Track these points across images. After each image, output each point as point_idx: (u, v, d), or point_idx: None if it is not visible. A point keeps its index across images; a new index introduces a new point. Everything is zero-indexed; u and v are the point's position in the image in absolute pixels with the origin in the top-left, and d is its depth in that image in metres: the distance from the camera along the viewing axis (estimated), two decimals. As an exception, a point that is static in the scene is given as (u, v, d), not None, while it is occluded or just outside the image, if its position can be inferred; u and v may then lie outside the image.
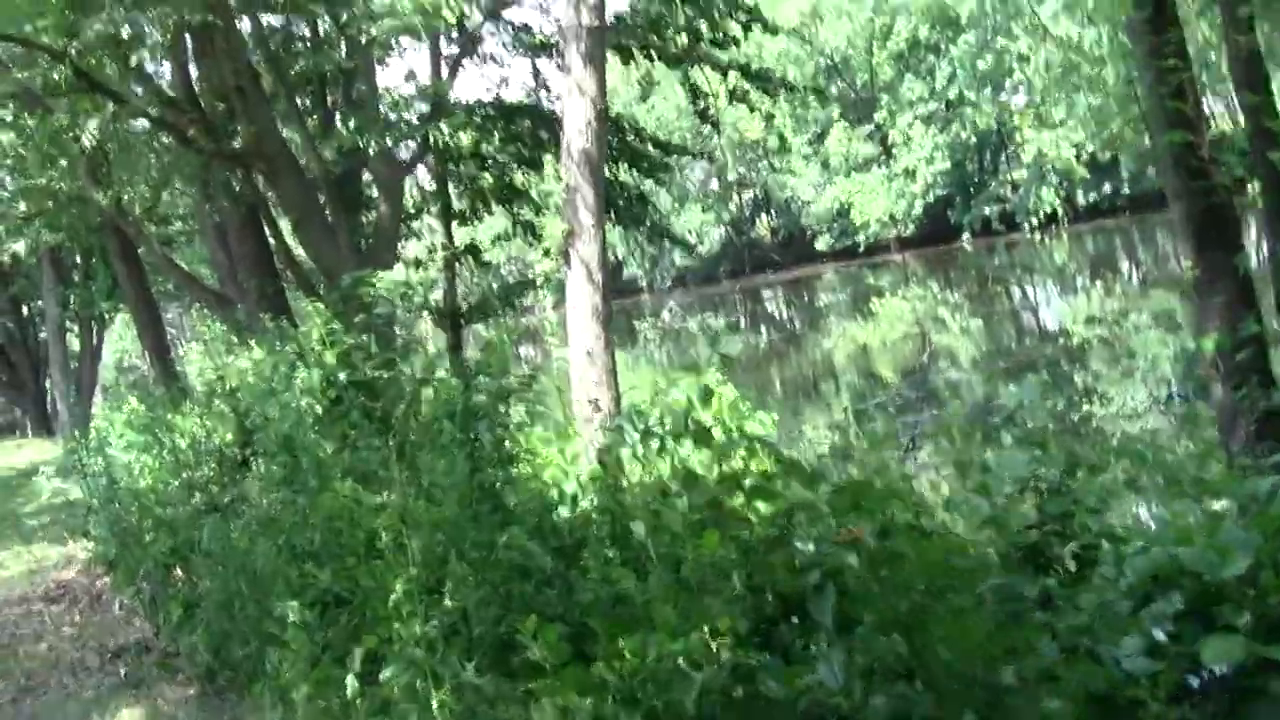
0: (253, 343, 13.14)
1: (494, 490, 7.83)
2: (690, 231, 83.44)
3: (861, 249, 79.51)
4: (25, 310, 42.52)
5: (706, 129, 26.92)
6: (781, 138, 73.99)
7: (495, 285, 25.90)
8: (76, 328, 40.31)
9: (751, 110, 23.32)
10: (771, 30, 22.88)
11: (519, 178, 23.16)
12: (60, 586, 12.97)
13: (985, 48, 70.63)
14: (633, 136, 22.89)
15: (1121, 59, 60.90)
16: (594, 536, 7.30)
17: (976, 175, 76.20)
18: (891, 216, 77.53)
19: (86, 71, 17.38)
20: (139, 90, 20.01)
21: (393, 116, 21.18)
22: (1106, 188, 67.78)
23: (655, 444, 12.45)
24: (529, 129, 22.25)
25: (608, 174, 19.57)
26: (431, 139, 19.08)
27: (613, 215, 21.89)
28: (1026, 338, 45.75)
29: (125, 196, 22.76)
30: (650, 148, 23.21)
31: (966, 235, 74.28)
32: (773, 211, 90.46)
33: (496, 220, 25.23)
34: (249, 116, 18.25)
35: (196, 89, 20.28)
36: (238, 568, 8.43)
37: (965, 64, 71.95)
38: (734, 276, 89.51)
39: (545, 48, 22.81)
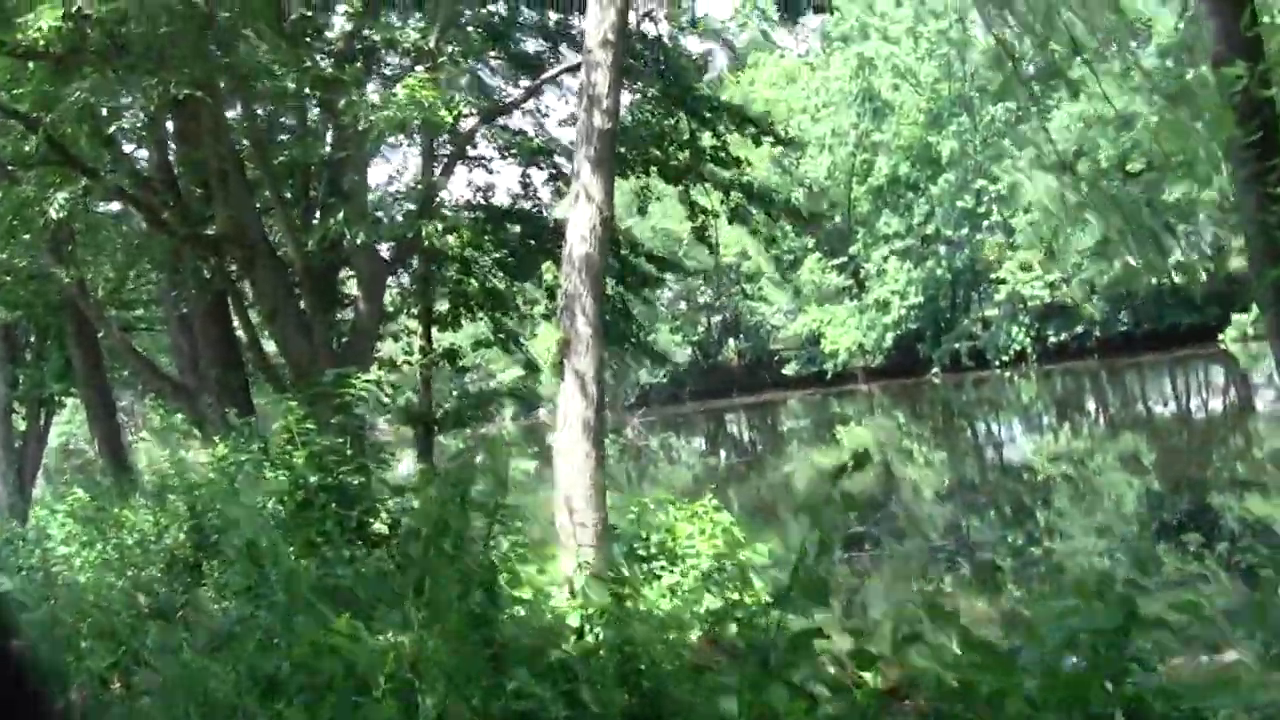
0: (215, 438, 12.18)
1: (492, 623, 6.85)
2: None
3: (829, 377, 78.92)
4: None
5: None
6: (780, 258, 73.58)
7: (468, 393, 25.03)
8: (23, 409, 39.06)
9: (753, 233, 22.62)
10: (784, 143, 22.28)
11: (503, 284, 22.35)
12: (-15, 691, 11.83)
13: (964, 187, 70.82)
14: (627, 250, 22.16)
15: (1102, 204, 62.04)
16: (603, 676, 6.37)
17: (949, 311, 75.79)
18: (861, 346, 77.04)
19: (60, 143, 16.48)
20: (113, 168, 19.16)
21: (380, 213, 20.37)
22: (1078, 329, 67.34)
23: (642, 570, 11.55)
24: (519, 235, 21.48)
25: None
26: (420, 237, 18.26)
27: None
28: (990, 472, 45.20)
29: (88, 276, 21.80)
30: (645, 262, 22.49)
31: (936, 369, 73.70)
32: (741, 335, 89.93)
33: (470, 326, 24.51)
34: (229, 202, 17.37)
35: (174, 170, 19.43)
36: (186, 691, 7.34)
37: (944, 201, 71.90)
38: (698, 398, 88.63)
39: (538, 154, 22.12)
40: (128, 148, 21.02)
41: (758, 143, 21.69)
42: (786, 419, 78.57)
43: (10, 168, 17.79)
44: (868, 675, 4.62)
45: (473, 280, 21.86)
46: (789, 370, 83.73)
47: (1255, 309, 56.75)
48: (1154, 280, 66.36)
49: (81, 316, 25.49)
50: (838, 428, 65.92)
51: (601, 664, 6.61)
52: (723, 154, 21.05)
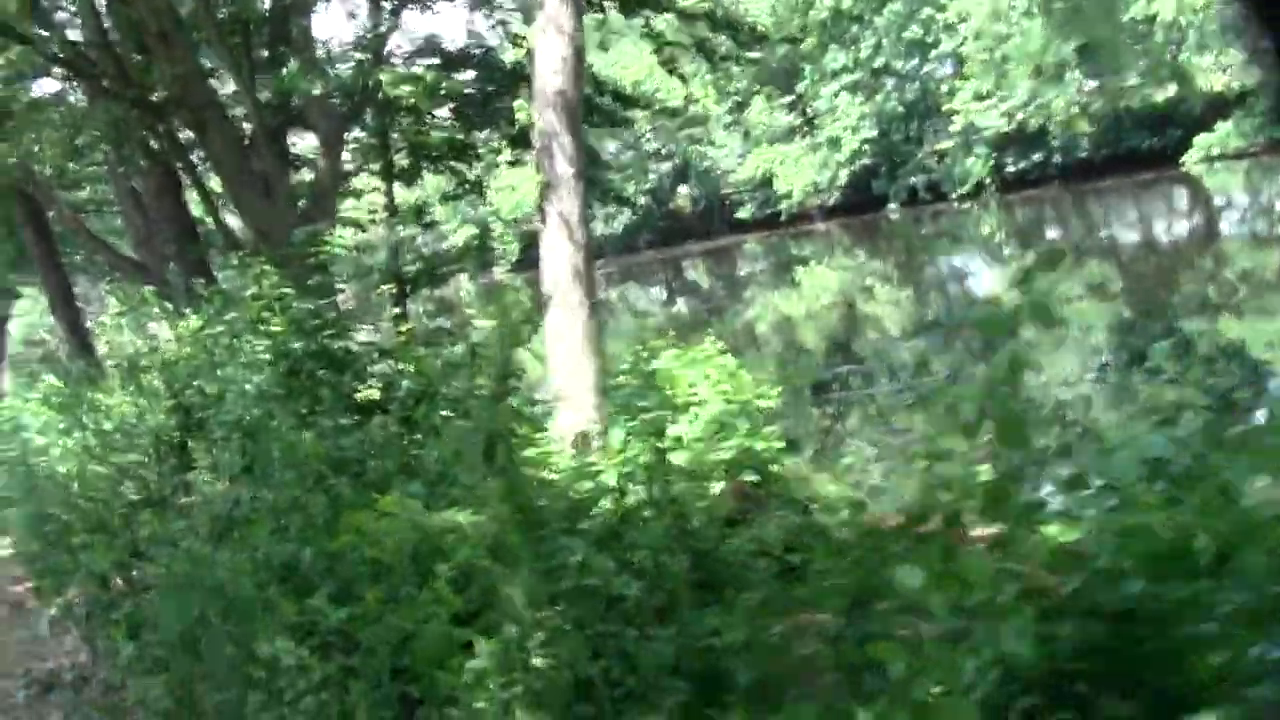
0: (186, 310, 11.49)
1: (522, 490, 6.27)
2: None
3: (784, 218, 78.23)
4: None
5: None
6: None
7: (433, 253, 24.29)
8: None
9: (722, 60, 21.78)
10: None
11: (463, 134, 21.52)
12: (-21, 588, 11.23)
13: (911, 17, 69.75)
14: (590, 88, 21.32)
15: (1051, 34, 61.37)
16: (655, 540, 5.82)
17: (903, 145, 74.83)
18: (815, 186, 76.26)
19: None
20: (46, 38, 18.23)
21: (330, 66, 19.44)
22: (1036, 157, 66.58)
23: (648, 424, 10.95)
24: (475, 80, 20.58)
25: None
26: (375, 89, 17.44)
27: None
28: (956, 307, 44.77)
29: (33, 158, 20.90)
30: (611, 100, 21.68)
31: (893, 205, 73.01)
32: (693, 182, 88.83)
33: (431, 182, 23.76)
34: (172, 63, 16.39)
35: (108, 36, 18.45)
36: (195, 584, 6.76)
37: (891, 33, 70.76)
38: (653, 246, 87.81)
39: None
40: (60, 17, 20.13)
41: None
42: (744, 263, 78.00)
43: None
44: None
45: (431, 132, 21.03)
46: (743, 214, 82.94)
47: (1220, 129, 56.85)
48: (1112, 103, 65.91)
49: (32, 202, 24.67)
50: (797, 269, 65.47)
51: (651, 527, 6.03)
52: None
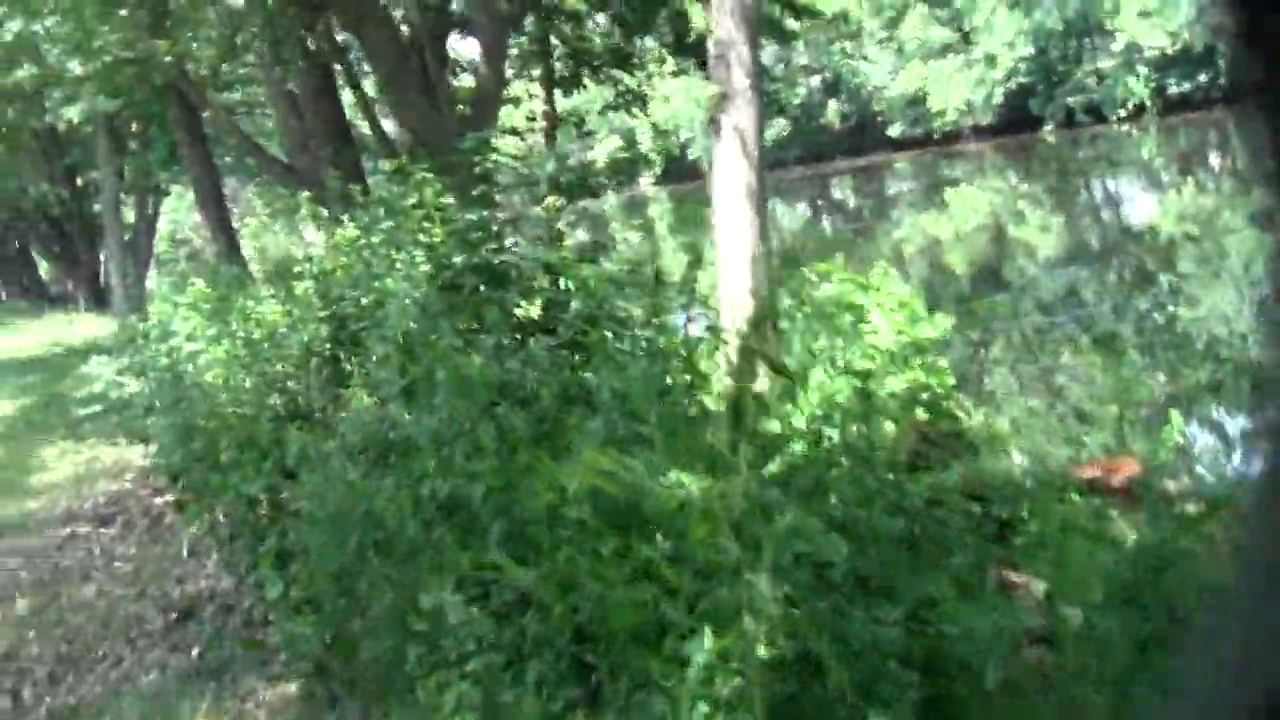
0: (342, 217, 11.00)
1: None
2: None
3: (936, 137, 76.71)
4: (79, 180, 40.42)
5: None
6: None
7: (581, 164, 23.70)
8: (131, 199, 38.43)
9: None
10: None
11: (623, 41, 20.80)
12: (113, 502, 10.85)
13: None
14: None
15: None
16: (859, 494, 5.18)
17: (1060, 64, 72.73)
18: (969, 104, 74.52)
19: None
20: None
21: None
22: (1201, 78, 64.35)
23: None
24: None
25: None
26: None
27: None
28: (1111, 234, 43.49)
29: (190, 54, 20.60)
30: (781, 9, 20.82)
31: (1049, 126, 71.07)
32: (843, 97, 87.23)
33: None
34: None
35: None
36: (349, 515, 6.23)
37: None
38: (801, 162, 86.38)
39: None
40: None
41: None
42: (893, 182, 76.65)
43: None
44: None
45: (594, 38, 20.37)
46: (894, 131, 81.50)
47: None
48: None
49: (185, 101, 24.45)
50: (947, 190, 64.08)
51: (858, 477, 5.37)
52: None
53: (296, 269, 11.50)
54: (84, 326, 29.30)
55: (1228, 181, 49.87)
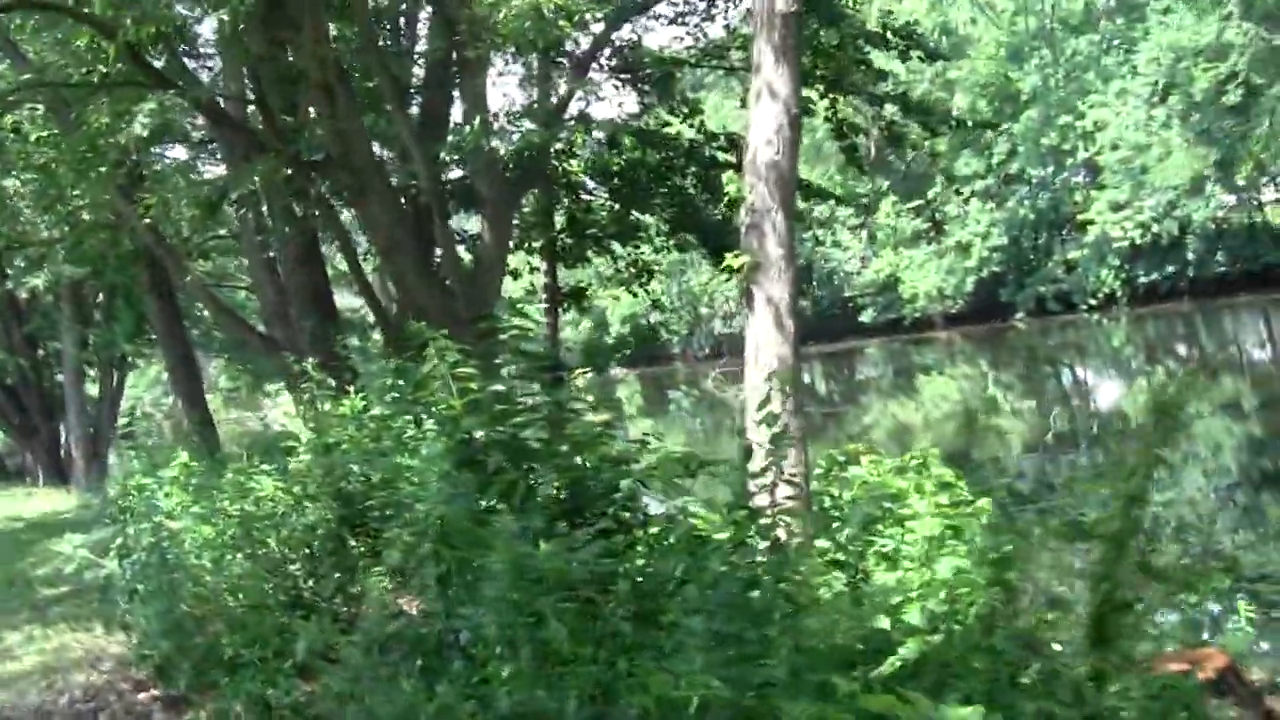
0: (351, 389, 10.13)
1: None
2: (728, 299, 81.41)
3: (907, 324, 76.78)
4: (40, 350, 39.37)
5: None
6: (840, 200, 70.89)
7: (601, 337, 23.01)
8: (94, 371, 37.52)
9: (914, 149, 20.39)
10: (935, 56, 20.05)
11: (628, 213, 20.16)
12: (91, 697, 9.71)
13: (1048, 124, 68.15)
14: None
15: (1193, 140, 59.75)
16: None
17: (1031, 253, 73.11)
18: (940, 292, 74.70)
19: (140, 52, 14.46)
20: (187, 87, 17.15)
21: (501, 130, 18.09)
22: (1170, 269, 64.68)
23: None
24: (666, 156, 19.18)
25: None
26: (547, 157, 16.10)
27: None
28: (1081, 420, 43.05)
29: (168, 220, 19.90)
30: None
31: (1020, 314, 71.11)
32: (814, 283, 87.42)
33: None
34: (335, 119, 15.10)
35: (260, 86, 17.33)
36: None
37: (1026, 139, 69.14)
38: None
39: (665, 65, 19.60)
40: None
41: (904, 57, 19.44)
42: (865, 368, 76.47)
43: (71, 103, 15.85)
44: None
45: (598, 210, 19.71)
46: (865, 317, 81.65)
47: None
48: (1249, 219, 64.17)
49: (156, 268, 23.69)
50: (919, 377, 63.80)
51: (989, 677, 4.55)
52: (864, 66, 18.83)
53: (288, 443, 10.55)
54: (41, 500, 28.08)
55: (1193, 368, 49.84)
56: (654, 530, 7.92)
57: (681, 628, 4.99)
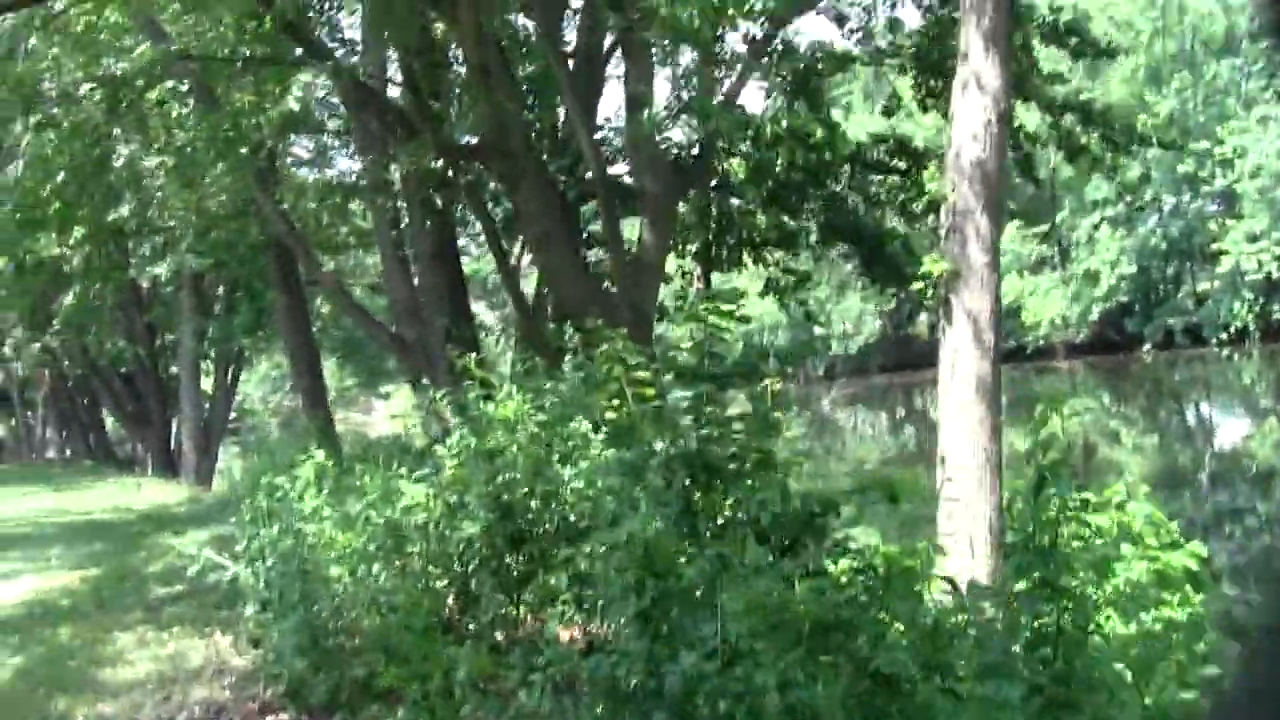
0: (517, 387, 9.15)
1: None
2: (845, 321, 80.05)
3: (1028, 352, 74.91)
4: (158, 339, 38.97)
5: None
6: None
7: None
8: (210, 364, 37.12)
9: (1093, 164, 19.02)
10: (1107, 54, 18.73)
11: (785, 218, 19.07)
12: (214, 715, 8.78)
13: (1184, 149, 66.24)
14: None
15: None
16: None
17: (1160, 284, 71.11)
18: (1064, 320, 72.75)
19: (294, 23, 13.66)
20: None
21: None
22: (1308, 305, 62.63)
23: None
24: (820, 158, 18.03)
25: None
26: (711, 153, 15.07)
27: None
28: (1205, 459, 41.57)
29: (303, 208, 19.22)
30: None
31: (1148, 346, 69.08)
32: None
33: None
34: (491, 103, 14.13)
35: (412, 70, 16.46)
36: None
37: (1161, 165, 67.13)
38: (886, 371, 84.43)
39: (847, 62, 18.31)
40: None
41: (1078, 55, 18.22)
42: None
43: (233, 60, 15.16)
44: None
45: (758, 213, 18.62)
46: (993, 345, 79.65)
47: None
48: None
49: (285, 260, 22.91)
50: (1037, 407, 61.90)
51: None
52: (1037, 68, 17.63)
53: (450, 449, 9.51)
54: (152, 492, 27.42)
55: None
56: (850, 564, 6.92)
57: (980, 695, 3.99)
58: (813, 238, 19.37)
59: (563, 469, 8.26)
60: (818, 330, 75.64)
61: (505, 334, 30.39)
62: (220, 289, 34.27)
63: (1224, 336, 65.14)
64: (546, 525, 8.10)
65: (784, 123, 14.79)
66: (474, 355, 13.34)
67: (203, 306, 33.63)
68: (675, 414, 8.00)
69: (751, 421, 7.98)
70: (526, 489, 8.15)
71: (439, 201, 17.17)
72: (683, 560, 5.75)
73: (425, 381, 18.35)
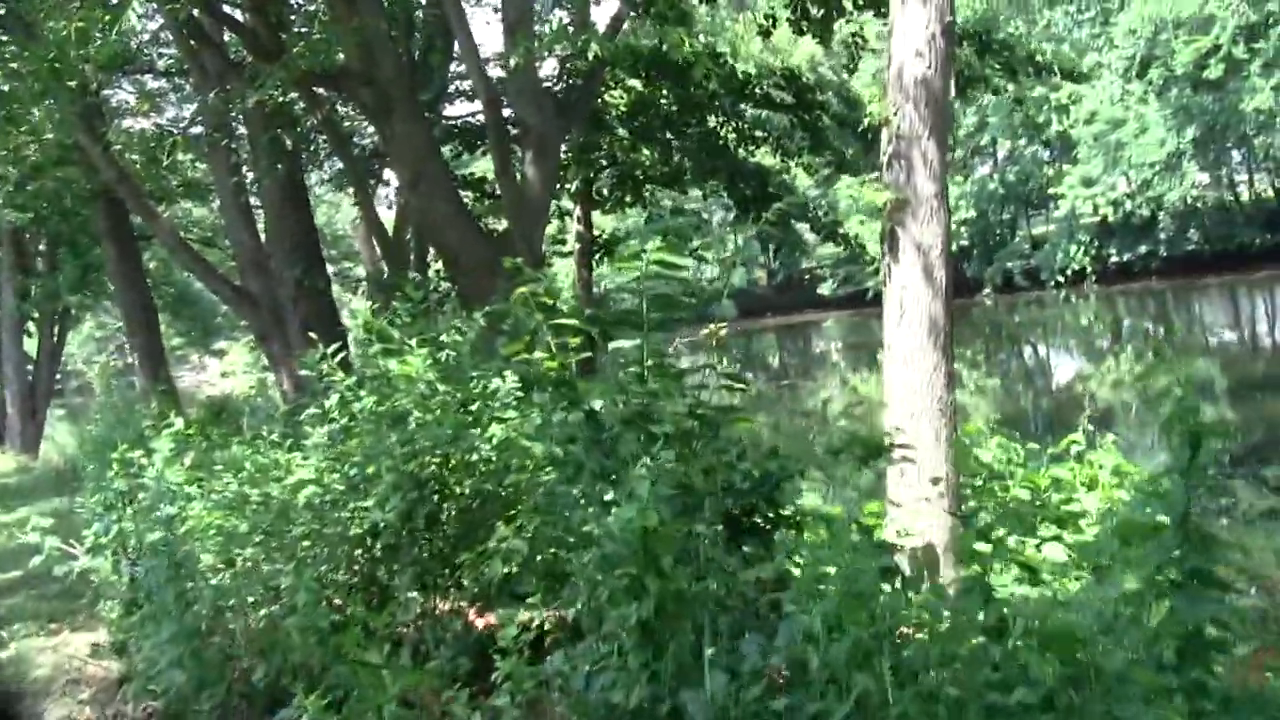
0: (411, 342, 7.86)
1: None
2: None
3: (869, 297, 74.84)
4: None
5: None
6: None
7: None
8: (34, 325, 34.95)
9: (995, 94, 18.24)
10: None
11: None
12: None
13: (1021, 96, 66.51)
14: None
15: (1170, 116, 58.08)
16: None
17: (998, 228, 71.49)
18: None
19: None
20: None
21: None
22: (1142, 249, 63.29)
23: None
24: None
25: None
26: (598, 79, 13.87)
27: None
28: (1046, 398, 41.62)
29: (133, 147, 17.63)
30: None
31: (988, 290, 69.36)
32: (772, 253, 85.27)
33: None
34: (355, 25, 12.67)
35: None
36: None
37: (997, 111, 67.23)
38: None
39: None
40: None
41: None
42: (820, 341, 74.67)
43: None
44: None
45: (644, 150, 17.45)
46: (824, 290, 79.62)
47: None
48: (1225, 197, 62.94)
49: (115, 211, 21.28)
50: (878, 352, 61.97)
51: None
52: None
53: (313, 412, 8.19)
54: (-22, 461, 25.60)
55: (1165, 350, 48.72)
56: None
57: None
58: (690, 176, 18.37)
59: (482, 434, 7.05)
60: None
61: (347, 285, 28.92)
62: (43, 244, 32.22)
63: (1061, 279, 65.58)
64: (472, 501, 6.89)
65: (662, 43, 13.74)
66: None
67: (24, 263, 31.55)
68: (616, 367, 6.90)
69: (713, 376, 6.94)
70: (441, 458, 6.93)
71: (289, 142, 15.72)
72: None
73: (273, 339, 17.12)
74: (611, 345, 6.86)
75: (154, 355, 22.65)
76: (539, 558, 6.23)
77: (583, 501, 5.69)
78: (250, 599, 7.12)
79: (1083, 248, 65.00)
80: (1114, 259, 64.98)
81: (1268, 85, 53.99)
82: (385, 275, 16.58)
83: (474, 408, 7.19)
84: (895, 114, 9.10)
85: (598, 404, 6.56)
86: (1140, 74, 60.55)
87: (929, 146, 8.99)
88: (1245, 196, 65.69)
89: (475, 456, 6.94)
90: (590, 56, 12.54)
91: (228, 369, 63.06)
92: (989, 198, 70.31)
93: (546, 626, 6.03)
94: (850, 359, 62.77)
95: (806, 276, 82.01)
